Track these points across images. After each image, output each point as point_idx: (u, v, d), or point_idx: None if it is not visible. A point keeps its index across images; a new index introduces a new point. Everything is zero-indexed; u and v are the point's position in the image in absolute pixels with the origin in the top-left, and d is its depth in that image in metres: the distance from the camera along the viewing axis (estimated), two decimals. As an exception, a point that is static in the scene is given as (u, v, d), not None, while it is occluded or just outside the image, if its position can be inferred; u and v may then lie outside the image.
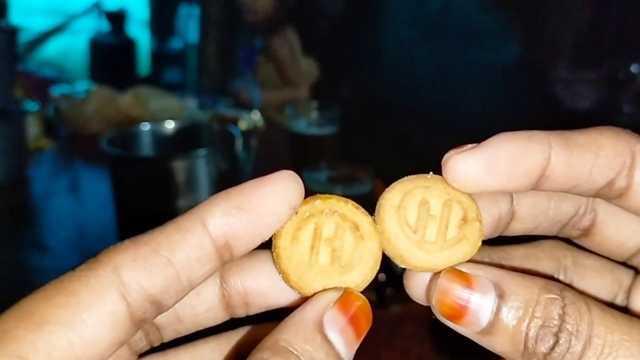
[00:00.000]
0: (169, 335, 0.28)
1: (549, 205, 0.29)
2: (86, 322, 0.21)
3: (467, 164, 0.25)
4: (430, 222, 0.25)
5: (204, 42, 2.34)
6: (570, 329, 0.23)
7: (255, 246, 0.25)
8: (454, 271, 0.25)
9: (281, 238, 0.25)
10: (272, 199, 0.24)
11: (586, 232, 0.30)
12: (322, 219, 0.26)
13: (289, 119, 1.24)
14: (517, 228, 0.29)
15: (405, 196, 0.26)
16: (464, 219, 0.25)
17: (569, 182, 0.25)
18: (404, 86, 1.45)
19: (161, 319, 0.27)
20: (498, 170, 0.25)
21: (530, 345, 0.23)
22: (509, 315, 0.24)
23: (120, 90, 1.59)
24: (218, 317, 0.28)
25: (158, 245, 0.23)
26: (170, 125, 1.09)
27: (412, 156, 1.24)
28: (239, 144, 1.04)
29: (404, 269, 0.27)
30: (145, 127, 1.07)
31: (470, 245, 0.25)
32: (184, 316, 0.27)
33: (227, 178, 0.94)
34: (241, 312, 0.28)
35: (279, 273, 0.26)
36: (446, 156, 0.26)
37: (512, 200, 0.28)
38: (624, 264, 0.31)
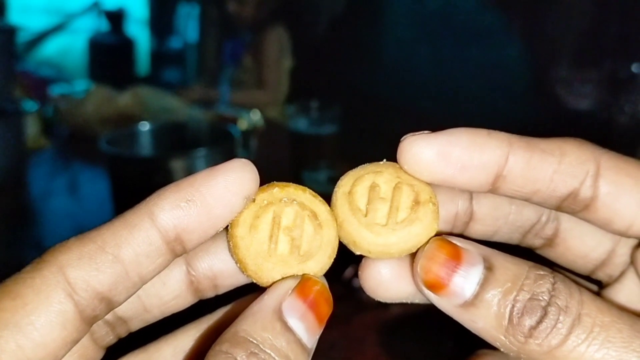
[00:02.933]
0: (136, 326, 0.27)
1: (509, 209, 0.28)
2: (34, 324, 0.21)
3: (419, 147, 0.24)
4: (380, 205, 0.25)
5: (203, 41, 2.34)
6: (560, 304, 0.22)
7: (209, 238, 0.24)
8: (443, 240, 0.24)
9: (238, 227, 0.25)
10: (224, 189, 0.23)
11: (549, 242, 0.29)
12: (280, 207, 0.25)
13: (289, 119, 1.24)
14: (476, 230, 0.28)
15: (355, 182, 0.26)
16: (416, 201, 0.25)
17: (528, 186, 0.24)
18: (404, 86, 1.44)
19: (127, 312, 0.26)
20: (451, 159, 0.24)
21: (515, 319, 0.22)
22: (495, 288, 0.23)
23: (119, 89, 1.59)
24: (186, 302, 0.27)
25: (104, 242, 0.22)
26: (169, 125, 1.08)
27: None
28: (238, 144, 1.04)
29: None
30: (145, 126, 1.06)
31: (424, 226, 0.25)
32: (151, 306, 0.27)
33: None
34: (210, 294, 0.28)
35: (236, 262, 0.25)
36: (402, 139, 0.25)
37: (471, 199, 0.28)
38: (588, 278, 0.29)
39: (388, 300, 0.26)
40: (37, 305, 0.21)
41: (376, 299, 0.26)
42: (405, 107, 1.42)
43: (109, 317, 0.26)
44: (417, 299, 0.26)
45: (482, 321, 0.23)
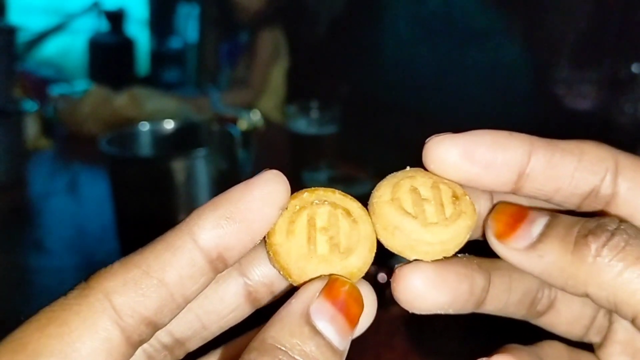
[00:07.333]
0: (194, 345, 0.27)
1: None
2: (80, 351, 0.21)
3: (444, 147, 0.25)
4: (426, 205, 0.25)
5: (203, 41, 2.34)
6: (629, 232, 0.22)
7: (248, 251, 0.24)
8: (509, 202, 0.26)
9: (275, 235, 0.25)
10: (261, 203, 0.23)
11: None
12: (313, 209, 0.25)
13: (289, 119, 1.24)
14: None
15: (394, 189, 0.26)
16: (455, 196, 0.26)
17: (550, 184, 0.25)
18: (404, 86, 1.44)
19: (185, 332, 0.26)
20: (476, 157, 0.25)
21: (582, 239, 0.23)
22: (562, 225, 0.24)
23: (119, 90, 1.59)
24: (244, 313, 0.27)
25: (148, 266, 0.22)
26: (169, 125, 1.08)
27: (412, 156, 1.24)
28: (238, 144, 1.04)
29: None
30: (145, 127, 1.06)
31: (470, 217, 0.25)
32: (209, 323, 0.27)
33: (227, 178, 0.93)
34: (267, 301, 0.28)
35: (279, 270, 0.25)
36: (427, 140, 0.26)
37: (492, 199, 0.28)
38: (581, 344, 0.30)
39: (424, 312, 0.26)
40: (83, 332, 0.21)
41: (411, 312, 0.26)
42: (405, 107, 1.42)
43: (167, 340, 0.26)
44: (452, 309, 0.27)
45: (548, 254, 0.24)
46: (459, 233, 0.25)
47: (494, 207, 0.27)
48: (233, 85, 1.95)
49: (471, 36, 1.29)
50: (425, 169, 0.26)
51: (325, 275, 0.24)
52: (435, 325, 0.75)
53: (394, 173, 0.27)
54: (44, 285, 0.91)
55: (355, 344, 0.25)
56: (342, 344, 0.23)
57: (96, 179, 1.30)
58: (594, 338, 0.30)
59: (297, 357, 0.22)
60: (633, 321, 0.23)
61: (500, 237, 0.25)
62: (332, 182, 0.95)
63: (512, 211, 0.25)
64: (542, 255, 0.24)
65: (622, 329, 0.28)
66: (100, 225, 1.09)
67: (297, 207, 0.25)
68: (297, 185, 0.26)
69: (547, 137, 0.26)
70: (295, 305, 0.23)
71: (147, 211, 0.90)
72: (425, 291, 0.26)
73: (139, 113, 1.48)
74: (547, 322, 0.30)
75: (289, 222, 0.25)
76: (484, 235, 0.28)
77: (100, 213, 1.09)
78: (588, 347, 0.30)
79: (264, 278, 0.27)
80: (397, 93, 1.46)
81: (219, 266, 0.23)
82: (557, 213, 0.25)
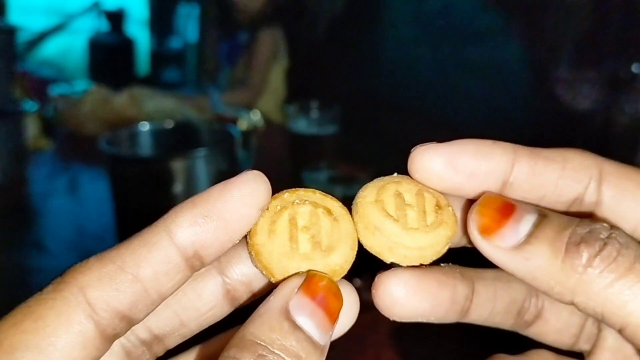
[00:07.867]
0: (173, 342, 0.27)
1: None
2: (55, 345, 0.21)
3: (429, 156, 0.25)
4: (408, 210, 0.26)
5: (203, 41, 2.34)
6: (620, 241, 0.22)
7: (226, 250, 0.24)
8: (496, 193, 0.25)
9: (257, 235, 0.25)
10: (239, 203, 0.23)
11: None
12: (294, 209, 0.26)
13: (289, 119, 1.24)
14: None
15: (379, 191, 0.26)
16: (438, 205, 0.26)
17: (535, 192, 0.25)
18: (404, 86, 1.45)
19: (163, 328, 0.26)
20: (459, 166, 0.25)
21: (573, 247, 0.22)
22: (551, 227, 0.23)
23: (119, 90, 1.59)
24: (223, 312, 0.27)
25: (123, 261, 0.22)
26: (169, 125, 1.08)
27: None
28: (238, 144, 1.04)
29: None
30: (145, 127, 1.06)
31: (450, 228, 0.25)
32: (188, 320, 0.27)
33: (227, 178, 0.93)
34: (247, 301, 0.28)
35: (262, 270, 0.25)
36: (412, 150, 0.26)
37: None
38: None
39: (404, 319, 0.26)
40: (58, 327, 0.21)
41: (392, 319, 0.26)
42: (405, 107, 1.42)
43: (145, 336, 0.26)
44: (433, 318, 0.26)
45: (536, 258, 0.23)
46: (438, 241, 0.25)
47: (479, 197, 0.26)
48: (233, 85, 1.95)
49: (471, 36, 1.29)
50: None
51: (303, 272, 0.24)
52: (436, 326, 0.75)
53: (381, 177, 0.27)
54: (44, 285, 0.91)
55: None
56: (323, 338, 0.23)
57: (96, 179, 1.30)
58: (583, 346, 0.29)
59: (277, 351, 0.22)
60: (620, 331, 0.22)
61: (485, 232, 0.24)
62: (332, 182, 0.95)
63: (499, 205, 0.24)
64: (528, 258, 0.23)
65: (611, 336, 0.28)
66: (100, 225, 1.09)
67: (278, 208, 0.25)
68: (297, 185, 0.26)
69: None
70: (274, 301, 0.23)
71: (147, 211, 0.90)
72: (404, 297, 0.26)
73: (139, 113, 1.48)
74: (536, 332, 0.30)
75: (270, 222, 0.25)
76: (468, 242, 0.28)
77: (100, 213, 1.09)
78: (577, 356, 0.30)
79: (243, 277, 0.27)
80: (397, 93, 1.46)
81: (196, 264, 0.23)
82: (546, 210, 0.24)
